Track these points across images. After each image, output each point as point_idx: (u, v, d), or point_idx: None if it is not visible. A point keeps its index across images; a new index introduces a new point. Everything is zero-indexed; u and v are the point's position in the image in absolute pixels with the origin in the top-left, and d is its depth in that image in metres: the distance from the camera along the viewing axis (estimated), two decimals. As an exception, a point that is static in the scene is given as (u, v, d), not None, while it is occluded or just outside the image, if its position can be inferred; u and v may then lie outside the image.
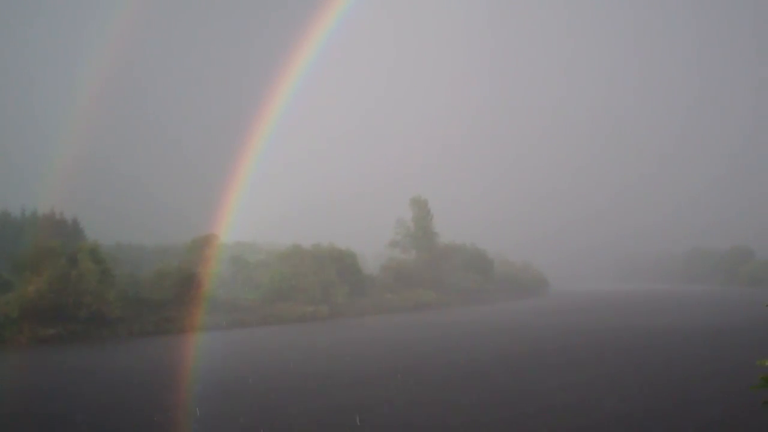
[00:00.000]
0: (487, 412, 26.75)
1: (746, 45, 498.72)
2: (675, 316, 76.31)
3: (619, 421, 24.71)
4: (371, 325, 73.92)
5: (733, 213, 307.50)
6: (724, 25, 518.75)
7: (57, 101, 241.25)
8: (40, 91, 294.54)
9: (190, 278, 71.72)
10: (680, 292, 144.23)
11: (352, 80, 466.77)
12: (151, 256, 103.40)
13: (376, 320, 79.47)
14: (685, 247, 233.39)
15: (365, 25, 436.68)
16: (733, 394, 28.58)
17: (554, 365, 39.76)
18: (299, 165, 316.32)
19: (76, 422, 26.05)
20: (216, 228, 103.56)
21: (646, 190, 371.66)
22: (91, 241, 73.26)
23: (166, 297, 68.57)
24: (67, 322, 58.39)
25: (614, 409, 26.80)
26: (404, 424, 24.67)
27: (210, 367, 41.41)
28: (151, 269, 77.01)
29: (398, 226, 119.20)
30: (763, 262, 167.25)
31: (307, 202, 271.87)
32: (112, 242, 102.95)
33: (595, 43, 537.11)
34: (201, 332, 63.88)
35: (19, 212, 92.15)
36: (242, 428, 24.45)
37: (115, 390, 33.32)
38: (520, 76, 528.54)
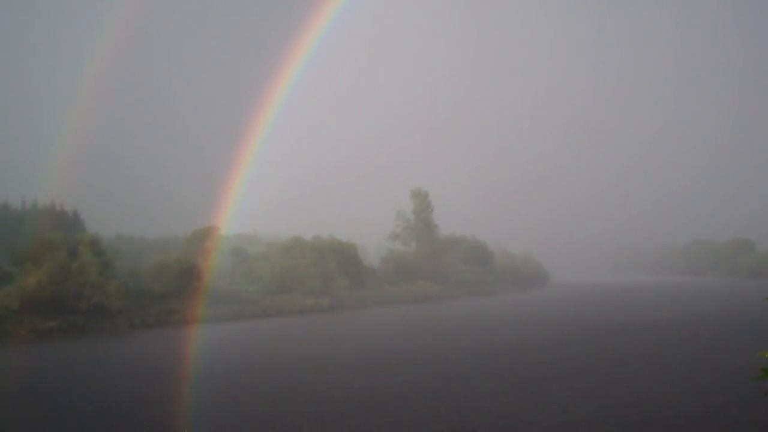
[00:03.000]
0: (513, 395, 26.93)
1: (740, 30, 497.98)
2: (679, 307, 76.35)
3: (635, 405, 25.60)
4: (374, 316, 73.89)
5: (733, 205, 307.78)
6: (713, 11, 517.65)
7: (58, 93, 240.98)
8: (41, 83, 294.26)
9: (190, 270, 71.81)
10: (681, 284, 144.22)
11: (350, 75, 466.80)
12: (152, 248, 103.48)
13: (378, 312, 79.44)
14: (683, 237, 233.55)
15: (362, 20, 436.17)
16: (739, 382, 28.78)
17: (567, 355, 40.19)
18: (299, 157, 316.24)
19: (78, 414, 26.13)
20: (217, 219, 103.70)
21: (643, 181, 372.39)
22: (91, 233, 73.31)
23: (166, 289, 68.66)
24: (68, 315, 58.40)
25: (628, 394, 27.71)
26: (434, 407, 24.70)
27: (212, 358, 41.42)
28: (151, 261, 77.08)
29: (398, 219, 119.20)
30: (763, 254, 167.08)
31: (308, 194, 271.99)
32: (112, 234, 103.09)
33: (588, 33, 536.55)
34: (202, 324, 63.89)
35: (20, 204, 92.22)
36: (244, 415, 24.49)
37: (120, 381, 33.35)
38: (514, 70, 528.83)
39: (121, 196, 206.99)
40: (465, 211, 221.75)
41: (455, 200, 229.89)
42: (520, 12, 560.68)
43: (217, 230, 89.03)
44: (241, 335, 57.02)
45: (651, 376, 31.90)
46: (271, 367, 37.63)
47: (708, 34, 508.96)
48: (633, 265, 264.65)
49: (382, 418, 24.40)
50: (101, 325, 59.43)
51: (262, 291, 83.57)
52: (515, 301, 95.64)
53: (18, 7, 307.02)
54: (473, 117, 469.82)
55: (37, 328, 55.07)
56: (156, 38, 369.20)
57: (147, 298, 66.40)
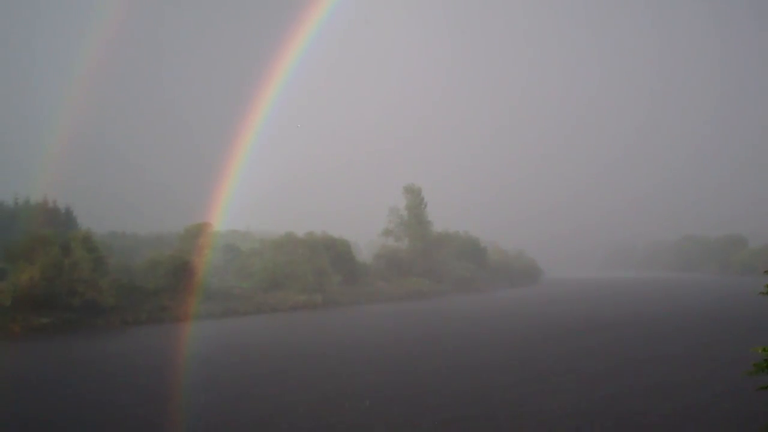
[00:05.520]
0: (524, 385, 27.08)
1: (733, 23, 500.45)
2: (672, 303, 76.77)
3: (637, 396, 26.58)
4: (369, 313, 73.97)
5: (723, 197, 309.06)
6: (695, 10, 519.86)
7: (50, 89, 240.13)
8: (33, 78, 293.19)
9: (183, 267, 71.72)
10: (673, 281, 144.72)
11: (342, 72, 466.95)
12: (145, 245, 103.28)
13: (372, 309, 79.52)
14: (674, 230, 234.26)
15: (352, 17, 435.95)
16: (735, 375, 29.30)
17: (570, 347, 41.09)
18: (292, 153, 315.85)
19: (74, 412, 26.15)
20: (209, 216, 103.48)
21: (632, 173, 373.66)
22: (84, 229, 73.11)
23: (159, 286, 68.57)
24: (61, 311, 58.26)
25: (631, 385, 28.65)
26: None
27: (206, 355, 41.44)
28: (144, 258, 76.90)
29: (391, 215, 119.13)
30: (755, 250, 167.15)
31: (301, 190, 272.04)
32: (105, 230, 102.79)
33: (574, 27, 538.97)
34: (195, 321, 63.84)
35: (12, 201, 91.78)
36: (236, 413, 24.54)
37: (114, 378, 33.34)
38: (503, 65, 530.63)
39: (113, 193, 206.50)
40: (455, 205, 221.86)
41: (446, 194, 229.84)
42: (507, 9, 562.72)
43: (210, 226, 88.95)
44: (237, 331, 57.02)
45: (650, 369, 32.50)
46: (283, 360, 37.67)
47: (693, 25, 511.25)
48: (625, 261, 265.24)
49: (406, 409, 24.96)
50: (94, 322, 59.29)
51: (255, 287, 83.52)
52: (510, 298, 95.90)
53: (9, 2, 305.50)
54: (462, 112, 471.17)
55: (30, 324, 54.97)
56: (149, 34, 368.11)
57: (140, 294, 66.28)
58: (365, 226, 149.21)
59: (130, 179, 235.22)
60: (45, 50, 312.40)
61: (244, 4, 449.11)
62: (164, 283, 69.08)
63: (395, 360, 37.15)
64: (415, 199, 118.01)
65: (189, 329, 58.04)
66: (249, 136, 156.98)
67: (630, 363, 34.71)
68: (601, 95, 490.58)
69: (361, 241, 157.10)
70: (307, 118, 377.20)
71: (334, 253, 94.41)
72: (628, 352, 39.02)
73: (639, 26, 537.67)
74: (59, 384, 31.91)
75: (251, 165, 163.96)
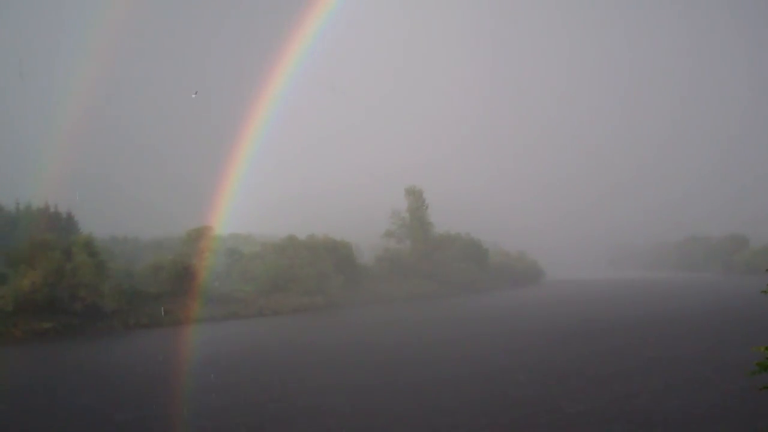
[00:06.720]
0: (535, 386, 27.05)
1: (738, 35, 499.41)
2: (676, 302, 76.85)
3: (643, 396, 26.90)
4: (372, 315, 73.91)
5: (729, 199, 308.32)
6: (715, 13, 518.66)
7: (52, 92, 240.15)
8: (34, 82, 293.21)
9: (185, 271, 71.75)
10: (677, 281, 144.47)
11: (347, 73, 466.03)
12: (146, 249, 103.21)
13: (375, 310, 79.45)
14: (679, 234, 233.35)
15: (361, 17, 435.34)
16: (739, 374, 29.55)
17: (577, 349, 41.40)
18: (295, 156, 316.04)
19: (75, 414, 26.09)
20: (211, 220, 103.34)
21: (640, 178, 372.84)
22: (85, 233, 73.11)
23: (161, 290, 68.58)
24: (63, 316, 58.29)
25: (639, 385, 29.16)
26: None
27: (209, 358, 41.40)
28: (146, 262, 76.88)
29: (393, 217, 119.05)
30: (758, 250, 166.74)
31: (303, 193, 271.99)
32: (106, 235, 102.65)
33: (585, 36, 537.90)
34: (197, 324, 63.81)
35: (14, 206, 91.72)
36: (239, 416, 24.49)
37: (116, 383, 33.27)
38: (515, 68, 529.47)
39: (114, 197, 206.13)
40: (466, 209, 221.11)
41: (447, 195, 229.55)
42: (509, 9, 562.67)
43: (212, 230, 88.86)
44: (239, 335, 56.99)
45: (659, 369, 32.79)
46: (286, 363, 37.60)
47: (713, 44, 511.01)
48: (629, 262, 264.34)
49: (426, 407, 25.47)
50: (96, 326, 59.30)
51: (257, 291, 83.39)
52: (513, 299, 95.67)
53: (10, 5, 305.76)
54: (463, 112, 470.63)
55: (31, 329, 54.99)
56: (150, 37, 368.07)
57: (142, 298, 66.29)
58: (367, 229, 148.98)
59: (131, 182, 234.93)
60: (46, 55, 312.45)
61: (248, 3, 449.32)
62: (166, 287, 69.10)
63: (402, 363, 36.99)
64: (417, 200, 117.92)
65: (191, 333, 58.04)
66: (252, 140, 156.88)
67: (640, 363, 34.81)
68: (602, 96, 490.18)
69: (362, 243, 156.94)
70: (308, 119, 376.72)
71: (336, 256, 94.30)
72: (637, 352, 39.04)
73: (641, 28, 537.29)
74: (60, 389, 31.87)
75: (253, 168, 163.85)
